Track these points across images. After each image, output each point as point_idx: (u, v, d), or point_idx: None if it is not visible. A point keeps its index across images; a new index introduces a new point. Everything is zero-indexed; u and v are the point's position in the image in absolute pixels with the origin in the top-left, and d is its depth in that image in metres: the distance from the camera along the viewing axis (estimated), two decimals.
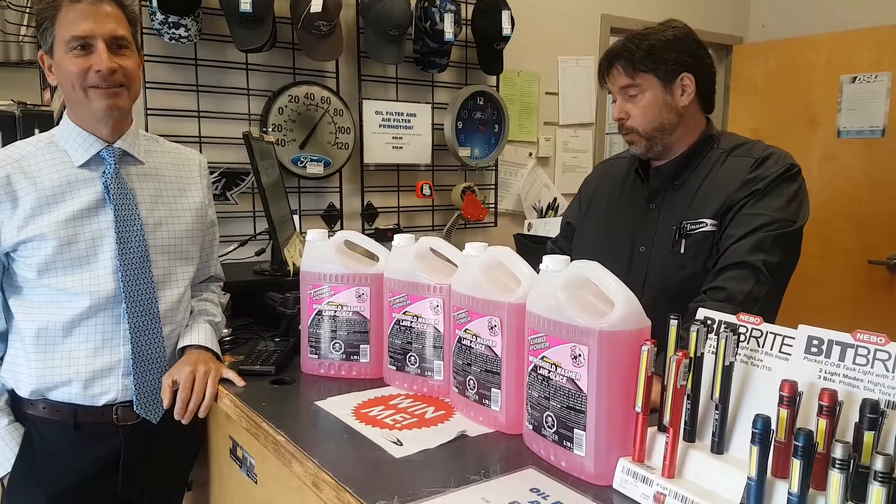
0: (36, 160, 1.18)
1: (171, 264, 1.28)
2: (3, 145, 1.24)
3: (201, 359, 1.23)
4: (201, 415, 1.19)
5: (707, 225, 1.24)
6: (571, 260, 0.88)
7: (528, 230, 2.68)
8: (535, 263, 0.97)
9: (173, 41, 1.96)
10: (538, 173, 2.90)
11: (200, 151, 2.01)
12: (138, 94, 1.25)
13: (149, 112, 1.99)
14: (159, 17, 1.92)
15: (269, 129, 2.12)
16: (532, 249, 1.89)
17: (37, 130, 1.91)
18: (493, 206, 2.73)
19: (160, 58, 2.00)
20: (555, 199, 2.87)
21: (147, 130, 1.94)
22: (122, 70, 1.16)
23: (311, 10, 2.00)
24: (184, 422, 1.18)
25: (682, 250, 1.26)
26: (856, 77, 2.89)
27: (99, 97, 1.15)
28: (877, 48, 2.83)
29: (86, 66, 1.13)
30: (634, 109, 1.29)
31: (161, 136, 1.42)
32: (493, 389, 0.99)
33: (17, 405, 1.21)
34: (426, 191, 2.46)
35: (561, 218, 1.65)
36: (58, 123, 1.26)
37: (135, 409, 1.20)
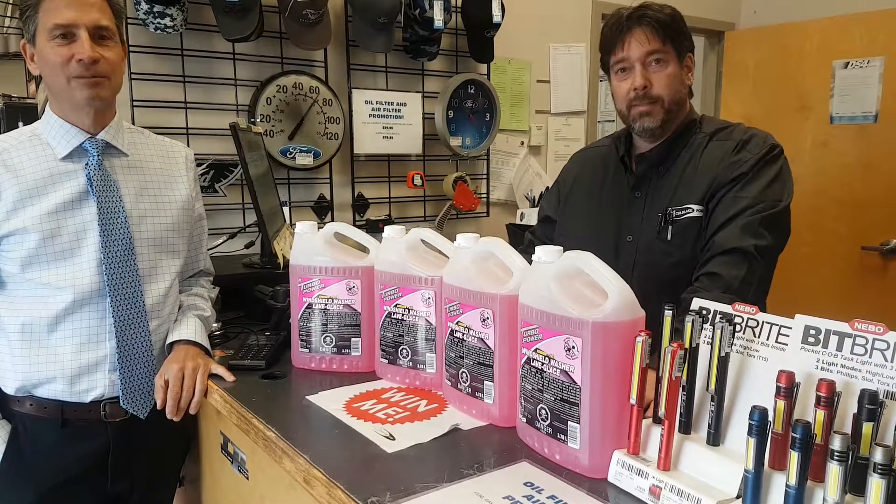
0: (18, 153, 1.16)
1: (157, 258, 1.26)
2: None
3: (189, 355, 1.21)
4: (192, 412, 1.17)
5: (693, 210, 1.23)
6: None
7: (521, 220, 2.66)
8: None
9: (159, 31, 1.92)
10: (530, 162, 2.88)
11: (188, 143, 1.99)
12: (120, 86, 1.23)
13: (135, 103, 1.95)
14: (144, 6, 1.88)
15: (258, 120, 2.09)
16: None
17: (21, 123, 1.88)
18: (484, 195, 2.71)
19: (146, 48, 1.96)
20: (547, 188, 2.85)
21: (133, 122, 1.91)
22: (105, 61, 1.14)
23: None
24: (175, 419, 1.16)
25: (669, 237, 1.25)
26: (848, 63, 2.88)
27: (81, 87, 1.13)
28: (869, 33, 2.81)
29: (68, 56, 1.11)
30: (660, 77, 1.25)
31: (148, 127, 1.40)
32: (485, 382, 0.98)
33: (3, 403, 1.19)
34: (417, 181, 2.44)
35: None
36: (40, 115, 1.24)
37: (122, 403, 1.18)
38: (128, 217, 1.20)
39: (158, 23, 1.91)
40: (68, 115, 1.18)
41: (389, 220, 2.41)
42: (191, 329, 1.27)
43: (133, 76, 1.94)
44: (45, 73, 1.16)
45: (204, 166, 2.04)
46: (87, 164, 1.18)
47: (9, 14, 3.18)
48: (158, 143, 1.34)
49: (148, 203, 1.26)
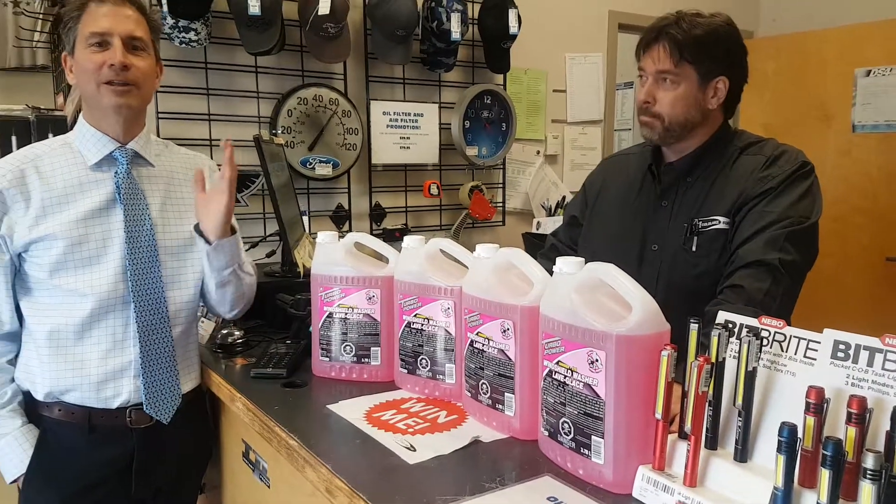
0: (50, 160, 1.20)
1: (180, 265, 1.28)
2: (19, 149, 1.25)
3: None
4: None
5: (719, 222, 1.22)
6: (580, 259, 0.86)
7: (537, 229, 2.66)
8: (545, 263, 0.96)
9: (183, 45, 1.96)
10: (546, 171, 2.88)
11: (211, 154, 2.02)
12: (150, 97, 1.27)
13: (160, 115, 1.99)
14: (170, 21, 1.92)
15: (279, 132, 2.12)
16: (541, 248, 1.89)
17: (50, 135, 1.92)
18: (500, 204, 2.71)
19: (171, 62, 2.00)
20: (563, 198, 2.85)
21: (158, 134, 1.95)
22: (136, 69, 1.17)
23: (319, 13, 2.00)
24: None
25: (694, 248, 1.24)
26: (870, 71, 2.84)
27: (110, 94, 1.16)
28: (891, 41, 2.78)
29: (101, 62, 1.15)
30: (665, 97, 1.25)
31: (172, 139, 1.43)
32: (506, 394, 0.97)
33: (32, 407, 1.21)
34: (434, 190, 2.45)
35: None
36: (71, 128, 1.27)
37: (145, 409, 1.20)
38: (153, 225, 1.23)
39: (183, 37, 1.95)
40: (99, 124, 1.21)
41: (406, 230, 2.42)
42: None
43: (158, 89, 1.97)
44: (79, 80, 1.19)
45: None
46: (116, 172, 1.21)
47: (38, 28, 3.27)
48: (183, 155, 1.37)
49: (172, 212, 1.28)
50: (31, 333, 1.20)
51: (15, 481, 1.19)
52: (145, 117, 1.28)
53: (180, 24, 1.92)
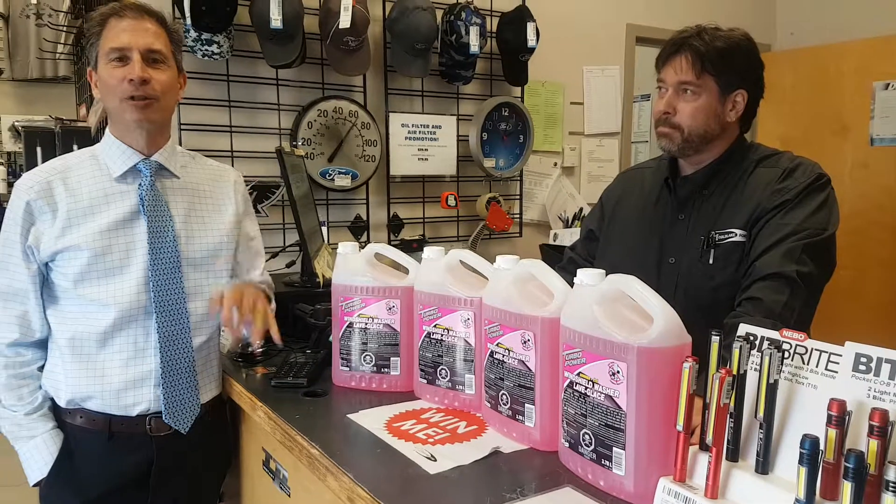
0: (77, 172, 1.22)
1: (203, 276, 1.29)
2: (44, 160, 1.28)
3: (249, 288, 1.27)
4: (254, 340, 1.22)
5: (736, 235, 1.22)
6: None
7: (554, 240, 2.67)
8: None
9: (206, 58, 2.01)
10: (563, 183, 2.89)
11: (232, 165, 2.06)
12: (173, 109, 1.29)
13: (182, 127, 2.03)
14: (192, 34, 1.97)
15: (299, 143, 2.16)
16: (558, 260, 1.89)
17: (75, 146, 1.97)
18: (518, 216, 2.72)
19: (193, 74, 2.04)
20: (580, 209, 2.86)
21: (181, 145, 1.98)
22: (156, 81, 1.19)
23: (340, 26, 2.04)
24: (231, 334, 1.21)
25: (711, 260, 1.25)
26: (889, 83, 2.83)
27: (131, 109, 1.18)
28: None
29: (121, 77, 1.17)
30: (685, 107, 1.26)
31: (194, 150, 1.45)
32: (526, 405, 0.98)
33: (56, 415, 1.24)
34: (451, 201, 2.47)
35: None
36: (93, 138, 1.30)
37: (164, 418, 1.21)
38: (176, 237, 1.25)
39: (206, 50, 1.99)
40: (124, 137, 1.24)
41: (423, 240, 2.44)
42: (254, 277, 1.34)
43: (181, 101, 2.02)
44: (103, 95, 1.22)
45: (248, 188, 2.10)
46: (140, 184, 1.23)
47: (61, 41, 3.36)
48: (209, 166, 1.39)
49: (196, 224, 1.30)
50: (56, 341, 1.22)
51: (37, 484, 1.22)
52: (170, 129, 1.31)
53: (203, 37, 1.97)
